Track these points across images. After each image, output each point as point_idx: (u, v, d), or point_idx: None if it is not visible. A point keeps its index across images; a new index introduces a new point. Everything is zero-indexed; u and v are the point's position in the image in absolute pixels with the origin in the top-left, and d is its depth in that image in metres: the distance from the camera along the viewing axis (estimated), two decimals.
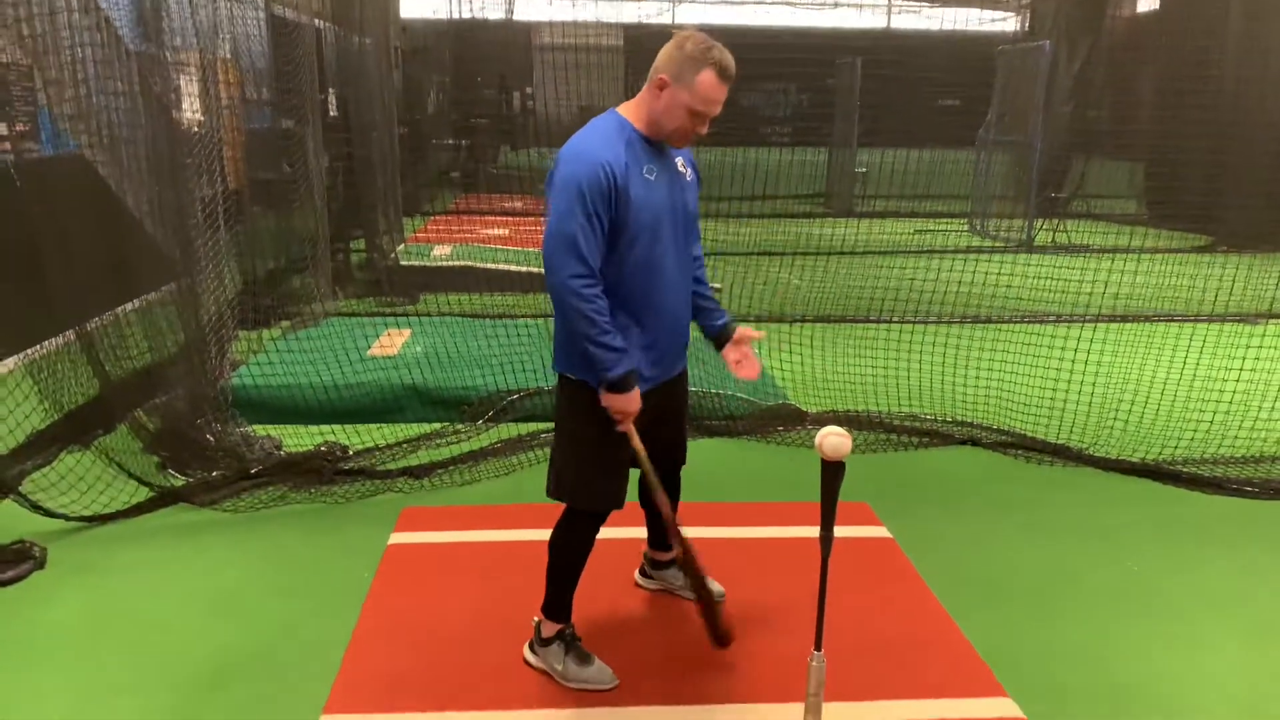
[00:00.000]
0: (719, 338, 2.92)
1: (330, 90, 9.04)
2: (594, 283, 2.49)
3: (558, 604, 2.86)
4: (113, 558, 3.61)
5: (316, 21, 8.16)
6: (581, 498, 2.78)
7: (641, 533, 3.39)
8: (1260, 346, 5.57)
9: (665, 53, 2.54)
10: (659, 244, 2.61)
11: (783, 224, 12.51)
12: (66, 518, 3.80)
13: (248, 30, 6.71)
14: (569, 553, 2.82)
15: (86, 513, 3.85)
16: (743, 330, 2.91)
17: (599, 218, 2.47)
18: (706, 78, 2.49)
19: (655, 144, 2.63)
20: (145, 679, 2.88)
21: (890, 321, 6.68)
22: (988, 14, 26.66)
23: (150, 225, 4.67)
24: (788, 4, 26.10)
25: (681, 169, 2.73)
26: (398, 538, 3.74)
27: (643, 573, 3.41)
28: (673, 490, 3.17)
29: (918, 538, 3.79)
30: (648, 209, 2.56)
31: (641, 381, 2.66)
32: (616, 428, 2.61)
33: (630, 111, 2.63)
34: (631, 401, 2.57)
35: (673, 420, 2.95)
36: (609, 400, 2.57)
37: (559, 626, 2.87)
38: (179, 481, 4.18)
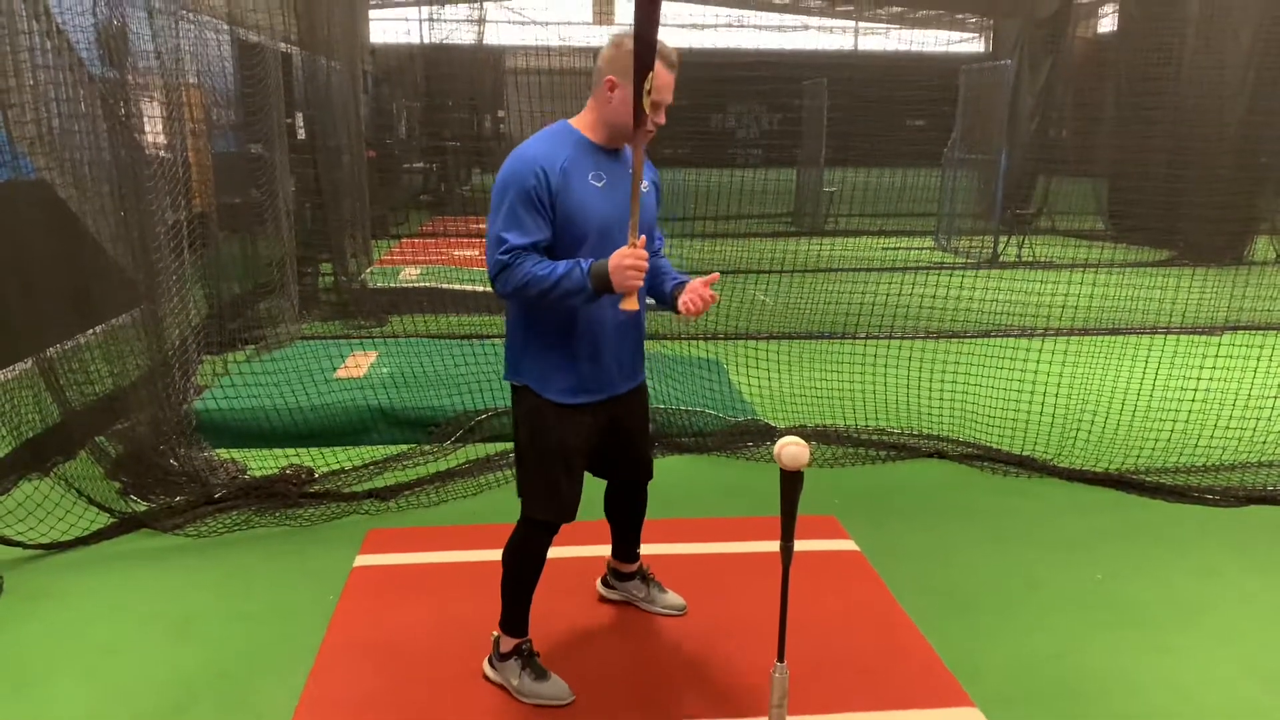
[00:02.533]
0: (673, 298, 2.75)
1: (298, 114, 9.02)
2: (519, 251, 2.46)
3: (514, 618, 2.85)
4: (72, 584, 3.56)
5: (283, 45, 8.14)
6: (533, 506, 2.77)
7: (600, 550, 3.39)
8: (1219, 357, 5.65)
9: (606, 56, 2.55)
10: (608, 251, 2.54)
11: (753, 243, 12.56)
12: (24, 545, 3.74)
13: (212, 54, 6.70)
14: (522, 565, 2.81)
15: (45, 540, 3.79)
16: (694, 282, 2.72)
17: (532, 213, 2.48)
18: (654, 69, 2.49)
19: (608, 152, 2.63)
20: (104, 707, 2.83)
21: (858, 337, 6.74)
22: (952, 35, 27.12)
23: (113, 250, 4.63)
24: (756, 27, 26.41)
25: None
26: (363, 560, 3.70)
27: (605, 583, 3.40)
28: (638, 506, 3.17)
29: (885, 550, 3.81)
30: (594, 214, 2.56)
31: (588, 394, 2.67)
32: (632, 283, 2.45)
33: (579, 121, 2.64)
34: (620, 270, 2.43)
35: (632, 437, 2.94)
36: (619, 285, 2.44)
37: (516, 641, 2.85)
38: (141, 507, 4.12)
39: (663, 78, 2.50)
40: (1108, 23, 16.04)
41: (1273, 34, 10.85)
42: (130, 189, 4.60)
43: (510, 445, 4.78)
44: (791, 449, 2.21)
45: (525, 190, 2.48)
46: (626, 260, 2.43)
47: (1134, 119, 11.86)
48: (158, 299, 4.65)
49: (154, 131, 5.21)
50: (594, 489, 3.05)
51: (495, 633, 2.89)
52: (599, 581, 3.42)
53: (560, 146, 2.56)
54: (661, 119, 2.56)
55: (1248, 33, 11.03)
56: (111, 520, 3.96)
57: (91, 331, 4.99)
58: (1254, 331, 7.35)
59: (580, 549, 3.56)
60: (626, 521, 3.21)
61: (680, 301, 2.66)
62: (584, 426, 2.73)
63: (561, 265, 2.47)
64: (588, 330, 2.64)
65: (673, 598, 3.32)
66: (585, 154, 2.58)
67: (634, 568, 3.32)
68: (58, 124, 4.45)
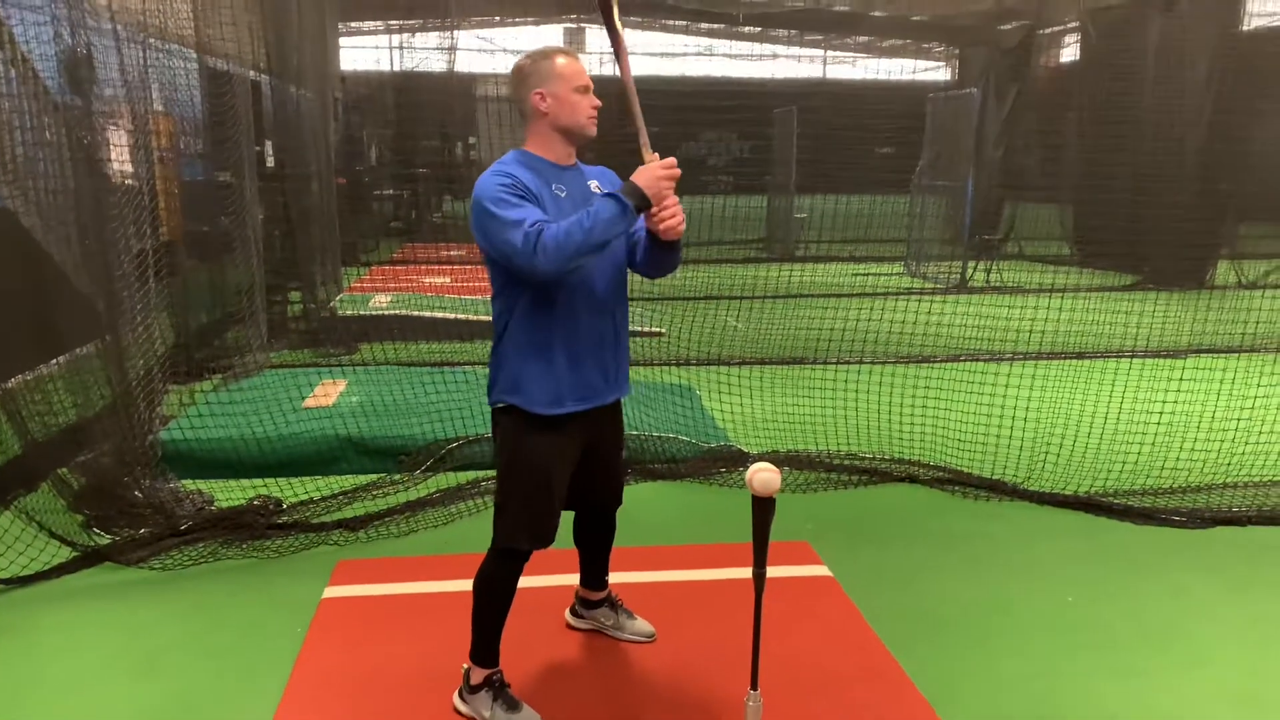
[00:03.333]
0: (650, 233, 2.69)
1: (267, 141, 8.98)
2: (541, 222, 2.44)
3: (484, 649, 2.82)
4: (33, 620, 3.48)
5: (253, 73, 8.12)
6: (511, 532, 2.74)
7: (570, 579, 3.37)
8: (1184, 380, 5.73)
9: (517, 83, 2.67)
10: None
11: (725, 269, 12.65)
12: None
13: (180, 82, 6.66)
14: (493, 594, 2.78)
15: (5, 575, 3.71)
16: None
17: (524, 202, 2.50)
18: (560, 62, 2.62)
19: (563, 167, 2.69)
20: None
21: (830, 363, 6.76)
22: (919, 64, 27.52)
23: (76, 280, 4.57)
24: (727, 55, 26.68)
25: (596, 190, 2.72)
26: (331, 591, 3.65)
27: (574, 612, 3.38)
28: (606, 533, 3.15)
29: (858, 575, 3.80)
30: None
31: (571, 403, 2.67)
32: (666, 189, 2.50)
33: (530, 146, 2.70)
34: (653, 180, 2.49)
35: (605, 458, 2.93)
36: (654, 195, 2.48)
37: (487, 672, 2.82)
38: (104, 540, 4.05)
39: (574, 65, 2.64)
40: (1070, 52, 16.34)
41: (1228, 63, 11.10)
42: (94, 218, 4.55)
43: (480, 474, 4.78)
44: (763, 475, 2.21)
45: (507, 187, 2.52)
46: (658, 170, 2.50)
47: (1098, 146, 12.08)
48: (121, 329, 4.59)
49: (120, 159, 5.16)
50: (565, 517, 3.04)
51: (465, 665, 2.85)
52: (568, 611, 3.39)
53: (518, 168, 2.62)
54: (598, 102, 2.66)
55: (1205, 61, 11.28)
56: (74, 554, 3.88)
57: (55, 361, 4.92)
58: (1217, 355, 7.46)
59: (550, 578, 3.53)
60: (595, 548, 3.19)
61: (661, 229, 2.60)
62: (564, 445, 2.72)
63: (592, 206, 2.47)
64: (566, 337, 2.64)
65: (641, 624, 3.30)
66: (543, 169, 2.65)
67: (602, 595, 3.30)
68: (21, 152, 4.40)
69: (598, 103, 2.66)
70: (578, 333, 2.66)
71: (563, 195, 2.64)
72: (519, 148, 2.72)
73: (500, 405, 2.71)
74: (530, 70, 2.63)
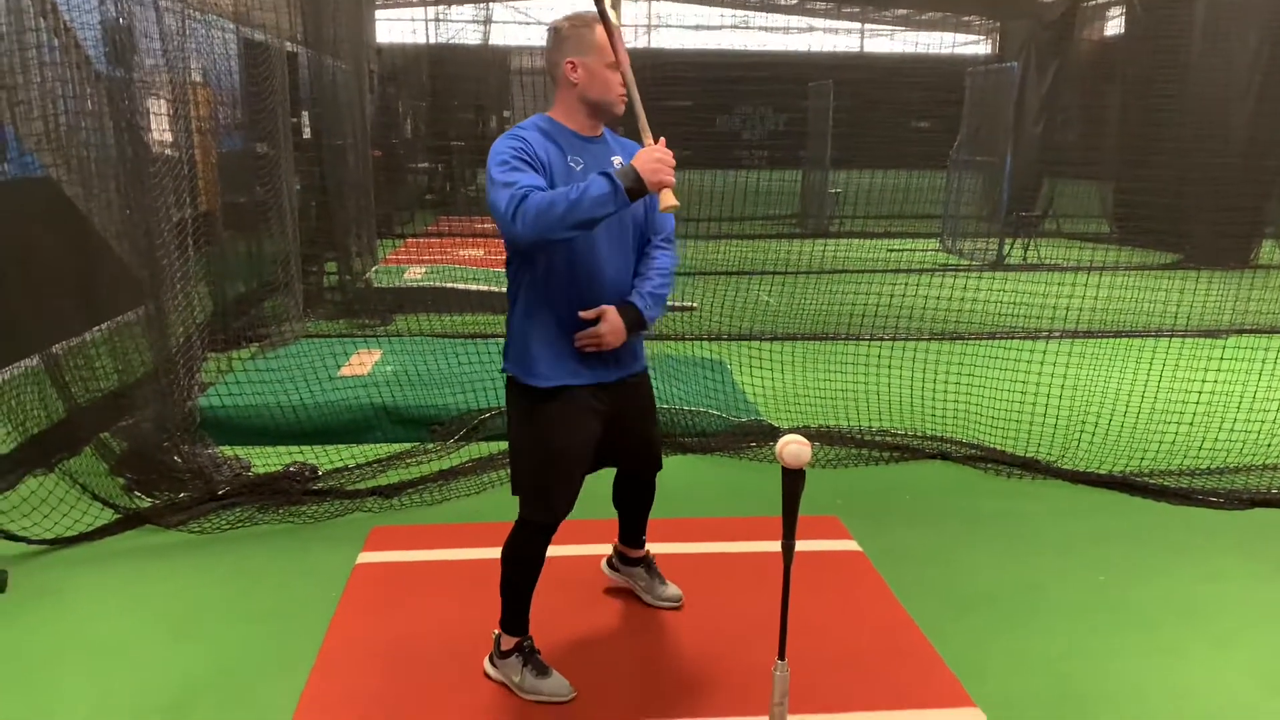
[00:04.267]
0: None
1: (304, 113, 9.03)
2: (532, 188, 2.41)
3: (513, 617, 2.85)
4: (75, 581, 3.56)
5: (289, 44, 8.15)
6: (525, 505, 2.76)
7: (601, 550, 3.43)
8: (1224, 360, 5.64)
9: (552, 46, 2.63)
10: (588, 238, 2.54)
11: (758, 244, 12.58)
12: (29, 541, 3.75)
13: (219, 53, 6.71)
14: (519, 565, 2.79)
15: (49, 536, 3.80)
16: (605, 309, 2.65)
17: (528, 169, 2.48)
18: (599, 32, 2.57)
19: (585, 139, 2.66)
20: (106, 704, 2.84)
21: (862, 339, 6.73)
22: (958, 37, 27.09)
23: (118, 248, 4.64)
24: (762, 28, 26.40)
25: (619, 165, 2.65)
26: (366, 557, 3.71)
27: (610, 564, 3.41)
28: (644, 498, 3.16)
29: (887, 550, 3.80)
30: None
31: (575, 376, 2.65)
32: (661, 177, 2.40)
33: (555, 112, 2.68)
34: (648, 164, 2.40)
35: (636, 423, 2.91)
36: (649, 180, 2.38)
37: (517, 639, 2.85)
38: (145, 503, 4.13)
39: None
40: (1114, 25, 16.00)
41: (1279, 35, 10.82)
42: (136, 187, 4.61)
43: None
44: (793, 447, 2.20)
45: (514, 150, 2.51)
46: (655, 154, 2.42)
47: (1140, 121, 11.82)
48: (162, 296, 4.66)
49: (160, 129, 5.22)
50: (601, 484, 3.06)
51: (496, 631, 2.89)
52: (604, 562, 3.43)
53: (537, 132, 2.60)
54: (630, 78, 2.57)
55: (1255, 35, 11.01)
56: (115, 516, 3.97)
57: (97, 328, 5.01)
58: (1260, 335, 7.34)
59: (583, 547, 3.56)
60: (633, 510, 3.20)
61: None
62: (574, 416, 2.69)
63: (577, 185, 2.41)
64: (570, 313, 2.62)
65: (671, 590, 3.34)
66: (562, 138, 2.63)
67: (640, 554, 3.33)
68: (64, 121, 4.46)
69: (630, 78, 2.58)
70: (582, 310, 2.63)
71: (578, 168, 2.59)
72: (544, 113, 2.69)
73: (509, 375, 2.73)
74: (568, 35, 2.60)
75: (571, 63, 2.58)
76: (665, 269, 2.79)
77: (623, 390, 2.80)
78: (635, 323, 2.67)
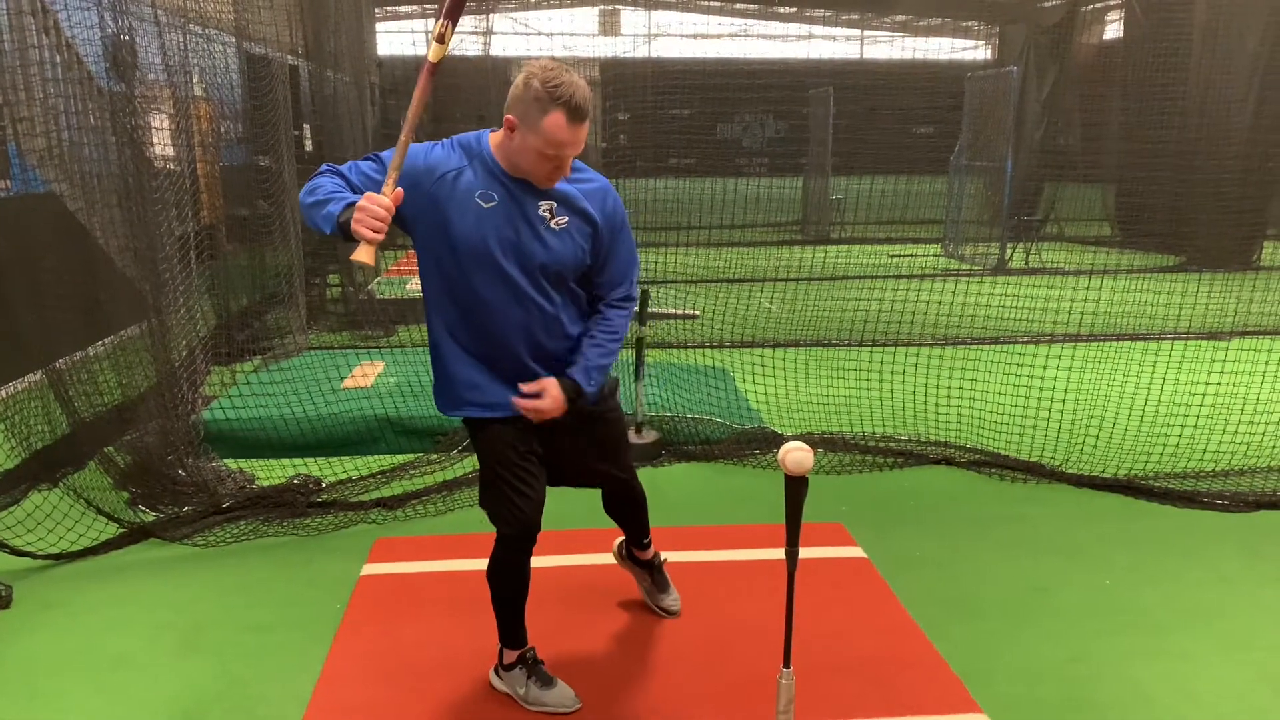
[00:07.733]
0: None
1: (306, 126, 9.06)
2: (331, 172, 2.41)
3: (509, 631, 2.84)
4: (80, 595, 3.57)
5: (290, 58, 8.19)
6: (492, 519, 2.76)
7: (598, 559, 3.45)
8: (1228, 362, 5.63)
9: (513, 90, 2.40)
10: (483, 274, 2.49)
11: (760, 251, 12.60)
12: (33, 556, 3.76)
13: (220, 67, 6.73)
14: (501, 579, 2.78)
15: (54, 550, 3.80)
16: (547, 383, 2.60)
17: (356, 170, 2.47)
18: (554, 121, 2.33)
19: (516, 180, 2.49)
20: (113, 717, 2.84)
21: (865, 345, 6.73)
22: (957, 42, 27.14)
23: (121, 262, 4.66)
24: (762, 36, 26.47)
25: (549, 216, 2.52)
26: (370, 569, 3.71)
27: (619, 553, 3.36)
28: (626, 507, 3.12)
29: (892, 557, 3.80)
30: (467, 231, 2.47)
31: (486, 409, 2.64)
32: (361, 229, 2.20)
33: (495, 137, 2.52)
34: (358, 210, 2.21)
35: (573, 447, 2.81)
36: (352, 227, 2.20)
37: (518, 651, 2.85)
38: (149, 517, 4.14)
39: (562, 133, 2.34)
40: (1113, 29, 16.03)
41: (1278, 37, 10.83)
42: (138, 201, 4.63)
43: None
44: (795, 454, 2.21)
45: (376, 164, 2.49)
46: (373, 203, 2.20)
47: (1140, 124, 11.83)
48: (165, 310, 4.68)
49: (162, 144, 5.25)
50: (592, 496, 3.07)
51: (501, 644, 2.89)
52: (616, 546, 3.37)
53: (458, 157, 2.50)
54: (566, 170, 2.46)
55: (1254, 37, 11.01)
56: (120, 530, 3.97)
57: (101, 343, 5.02)
58: (1263, 336, 7.33)
59: (582, 557, 3.56)
60: (620, 519, 3.18)
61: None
62: (505, 433, 2.65)
63: (349, 196, 2.33)
64: (479, 345, 2.61)
65: (669, 601, 3.33)
66: (482, 171, 2.49)
67: (645, 556, 3.30)
68: (67, 137, 4.49)
69: (565, 172, 2.46)
70: (493, 348, 2.59)
71: (487, 206, 2.47)
72: (489, 129, 2.55)
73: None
74: (526, 99, 2.36)
75: (513, 122, 2.39)
76: (615, 333, 2.69)
77: (552, 426, 2.68)
78: (576, 395, 2.62)
